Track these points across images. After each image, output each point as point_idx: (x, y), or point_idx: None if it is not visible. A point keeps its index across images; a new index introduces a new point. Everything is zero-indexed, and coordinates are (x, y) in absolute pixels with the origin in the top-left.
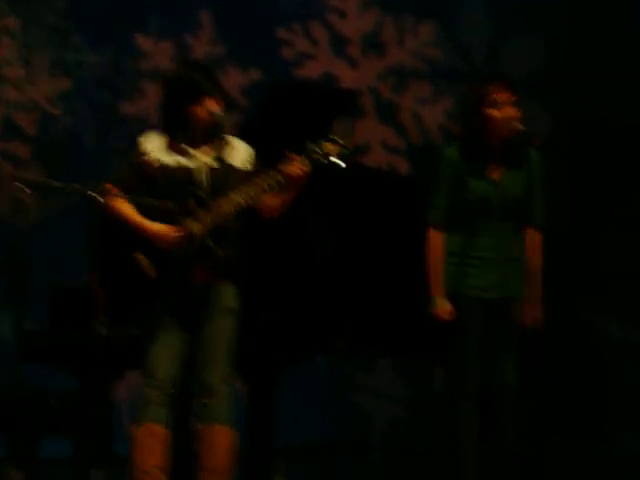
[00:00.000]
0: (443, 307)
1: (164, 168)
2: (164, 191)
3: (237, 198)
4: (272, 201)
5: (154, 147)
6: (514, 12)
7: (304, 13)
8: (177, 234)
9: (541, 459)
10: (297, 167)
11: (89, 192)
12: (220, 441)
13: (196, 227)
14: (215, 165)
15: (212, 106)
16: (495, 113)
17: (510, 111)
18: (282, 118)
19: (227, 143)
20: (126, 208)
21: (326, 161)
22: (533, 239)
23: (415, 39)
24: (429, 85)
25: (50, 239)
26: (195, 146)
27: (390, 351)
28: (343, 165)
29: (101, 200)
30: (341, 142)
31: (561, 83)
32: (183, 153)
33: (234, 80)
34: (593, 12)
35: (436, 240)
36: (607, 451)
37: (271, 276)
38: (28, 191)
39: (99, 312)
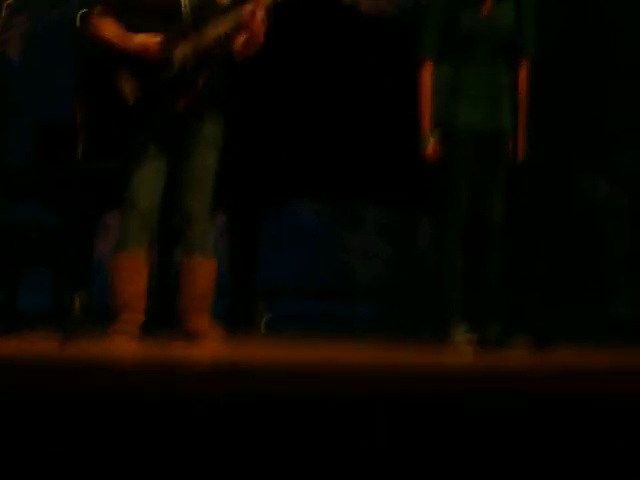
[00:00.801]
0: (431, 144)
1: None
2: (150, 13)
3: (221, 25)
4: (241, 42)
5: None
6: None
7: None
8: (160, 41)
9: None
10: (253, 6)
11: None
12: (201, 272)
13: (179, 51)
14: None
15: None
16: None
17: None
18: None
19: None
20: (113, 27)
21: None
22: (522, 70)
23: None
24: None
25: (40, 76)
26: None
27: (376, 199)
28: None
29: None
30: None
31: None
32: None
33: None
34: None
35: (427, 73)
36: (592, 316)
37: (254, 113)
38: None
39: (80, 139)
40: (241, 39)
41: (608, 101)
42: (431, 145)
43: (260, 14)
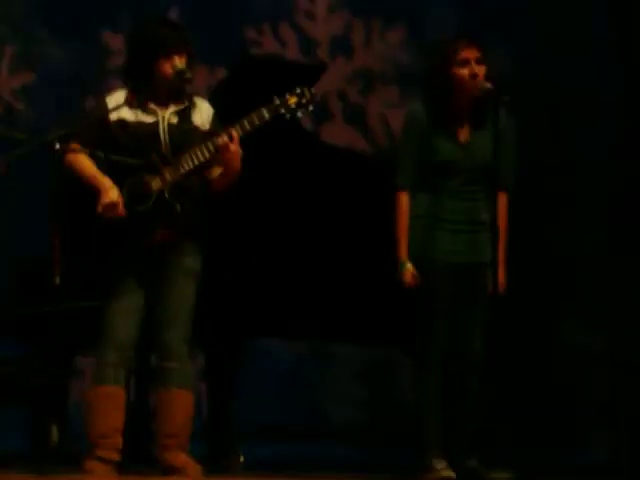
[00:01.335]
0: (409, 271)
1: (124, 123)
2: (124, 146)
3: (197, 155)
4: (217, 174)
5: (116, 103)
6: (484, 18)
7: (273, 14)
8: (119, 207)
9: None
10: (225, 138)
11: (50, 140)
12: (178, 406)
13: (156, 182)
14: (176, 122)
15: (178, 62)
16: (463, 71)
17: (477, 69)
18: (249, 85)
19: (190, 101)
20: (84, 162)
21: (288, 112)
22: (501, 202)
23: (383, 42)
24: (396, 89)
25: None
26: (158, 103)
27: (351, 336)
28: (303, 113)
29: (57, 147)
30: (304, 94)
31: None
32: (145, 109)
33: (201, 79)
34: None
35: (404, 202)
36: (571, 456)
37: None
38: None
39: (56, 264)
40: (217, 170)
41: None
42: (409, 271)
43: (233, 146)
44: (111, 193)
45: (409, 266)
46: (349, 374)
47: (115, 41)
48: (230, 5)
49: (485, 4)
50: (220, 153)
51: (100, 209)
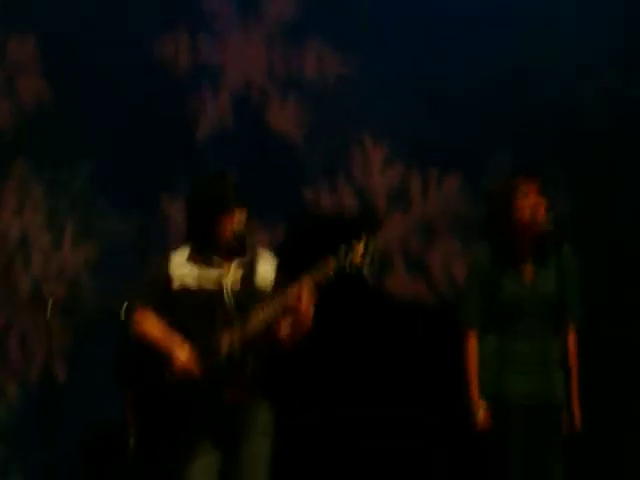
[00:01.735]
0: (483, 411)
1: (188, 290)
2: (192, 309)
3: (264, 314)
4: (287, 327)
5: (179, 263)
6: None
7: (329, 170)
8: (194, 368)
9: None
10: (300, 288)
11: (117, 305)
12: None
13: (224, 344)
14: (239, 284)
15: (239, 219)
16: (525, 203)
17: (538, 200)
18: (309, 245)
19: (254, 256)
20: (152, 323)
21: (352, 267)
22: (570, 338)
23: (440, 192)
24: (456, 238)
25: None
26: (222, 258)
27: None
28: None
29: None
30: (369, 251)
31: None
32: (209, 267)
33: (261, 239)
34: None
35: (471, 342)
36: None
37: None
38: None
39: (130, 427)
40: (285, 324)
41: None
42: (482, 414)
43: (306, 297)
44: (183, 352)
45: (481, 408)
46: None
47: (174, 206)
48: (285, 165)
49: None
50: (293, 304)
51: (175, 370)
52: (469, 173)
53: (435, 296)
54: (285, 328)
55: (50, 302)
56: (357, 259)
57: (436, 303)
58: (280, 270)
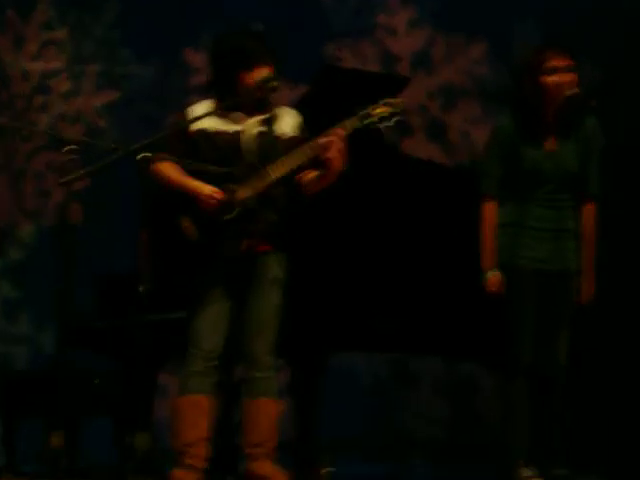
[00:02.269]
0: (494, 279)
1: (206, 133)
2: (210, 156)
3: (285, 164)
4: (312, 175)
5: (199, 113)
6: (567, 34)
7: (354, 30)
8: (218, 194)
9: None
10: (333, 137)
11: (135, 150)
12: (264, 415)
13: (244, 192)
14: (263, 131)
15: (263, 73)
16: (552, 80)
17: (567, 77)
18: (332, 98)
19: (277, 110)
20: (173, 170)
21: (377, 121)
22: (588, 210)
23: (465, 58)
24: (478, 104)
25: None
26: (245, 112)
27: (435, 350)
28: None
29: (140, 157)
30: (391, 103)
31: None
32: (231, 119)
33: (283, 95)
34: None
35: (490, 210)
36: None
37: (317, 251)
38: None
39: (142, 271)
40: (309, 174)
41: None
42: (494, 278)
43: (338, 145)
44: (206, 186)
45: (495, 273)
46: (429, 390)
47: (197, 59)
48: (311, 22)
49: (566, 18)
50: (326, 153)
51: (202, 203)
52: (494, 40)
53: (453, 160)
54: (311, 175)
55: (68, 146)
56: (376, 120)
57: (453, 167)
58: (303, 126)
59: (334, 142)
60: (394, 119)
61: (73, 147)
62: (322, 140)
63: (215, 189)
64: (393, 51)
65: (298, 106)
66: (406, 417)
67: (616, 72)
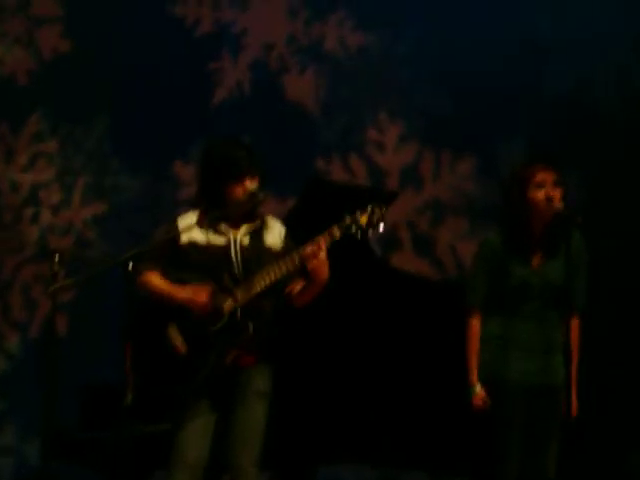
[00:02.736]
0: (479, 395)
1: (195, 245)
2: (196, 268)
3: (270, 275)
4: (300, 286)
5: (188, 224)
6: (552, 149)
7: (344, 145)
8: (208, 294)
9: None
10: (314, 247)
11: (123, 260)
12: None
13: (228, 303)
14: (248, 243)
15: (250, 185)
16: (540, 194)
17: (554, 191)
18: (320, 210)
19: (262, 222)
20: (161, 281)
21: (359, 230)
22: (574, 325)
23: (453, 174)
24: (466, 220)
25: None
26: (230, 224)
27: (421, 463)
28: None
29: (130, 268)
30: (375, 212)
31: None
32: (219, 229)
33: (271, 209)
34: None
35: (474, 324)
36: None
37: (306, 363)
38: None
39: (128, 383)
40: (297, 285)
41: None
42: (478, 395)
43: (322, 254)
44: (199, 294)
45: (479, 389)
46: None
47: (186, 172)
48: (301, 137)
49: (553, 131)
50: (308, 262)
51: (196, 310)
52: (482, 157)
53: (440, 275)
54: (298, 286)
55: (56, 256)
56: (362, 226)
57: (441, 282)
58: (289, 237)
59: (316, 251)
60: (380, 226)
61: (61, 257)
62: (305, 250)
63: (207, 295)
64: (382, 166)
65: (287, 219)
66: None
67: (600, 189)
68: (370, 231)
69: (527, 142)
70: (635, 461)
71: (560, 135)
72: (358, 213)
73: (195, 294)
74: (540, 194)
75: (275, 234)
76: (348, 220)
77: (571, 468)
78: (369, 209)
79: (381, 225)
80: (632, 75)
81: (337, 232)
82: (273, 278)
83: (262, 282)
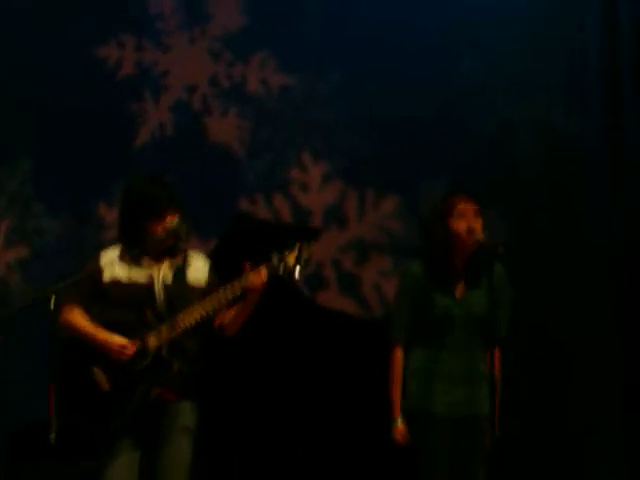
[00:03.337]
0: (399, 429)
1: (118, 283)
2: (123, 304)
3: (195, 312)
4: (230, 316)
5: (110, 260)
6: (475, 186)
7: (267, 185)
8: (130, 346)
9: None
10: (256, 275)
11: (45, 296)
12: None
13: (152, 340)
14: (171, 280)
15: (171, 222)
16: (461, 224)
17: (474, 222)
18: (246, 243)
19: (185, 256)
20: (83, 320)
21: (285, 271)
22: (496, 355)
23: (376, 212)
24: (390, 258)
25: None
26: (153, 259)
27: None
28: (297, 276)
29: (52, 307)
30: (304, 251)
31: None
32: (142, 265)
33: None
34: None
35: (397, 357)
36: None
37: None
38: None
39: (51, 422)
40: (227, 315)
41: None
42: (399, 429)
43: (259, 281)
44: (116, 338)
45: (399, 424)
46: None
47: (109, 214)
48: (224, 177)
49: (476, 171)
50: (249, 292)
51: (113, 354)
52: (406, 196)
53: (366, 313)
54: (228, 317)
55: None
56: (289, 266)
57: (366, 320)
58: (213, 271)
59: (257, 280)
60: (307, 263)
61: None
62: (251, 278)
63: (124, 341)
64: (306, 206)
65: (211, 255)
66: None
67: (522, 225)
68: (298, 269)
69: (450, 181)
70: None
71: (484, 173)
72: (286, 252)
73: (112, 337)
74: (462, 224)
75: (199, 268)
76: (275, 260)
77: None
78: (297, 246)
79: (307, 263)
80: (551, 114)
81: (265, 270)
82: (198, 316)
83: (188, 319)
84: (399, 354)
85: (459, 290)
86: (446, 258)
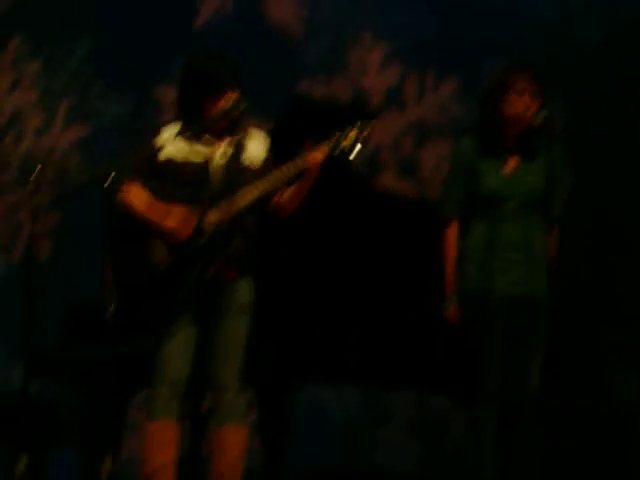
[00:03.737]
0: (452, 309)
1: (176, 163)
2: (179, 183)
3: (253, 191)
4: (287, 195)
5: (170, 136)
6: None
7: (327, 66)
8: (183, 229)
9: None
10: (317, 152)
11: (103, 175)
12: (231, 442)
13: (212, 216)
14: (231, 160)
15: (231, 98)
16: (517, 103)
17: (531, 101)
18: (304, 125)
19: (245, 134)
20: (139, 200)
21: (346, 148)
22: (552, 234)
23: (436, 95)
24: (450, 141)
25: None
26: (213, 134)
27: (405, 384)
28: (354, 155)
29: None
30: (363, 133)
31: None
32: (200, 142)
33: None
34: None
35: (451, 234)
36: None
37: (287, 279)
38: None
39: (108, 297)
40: (285, 194)
41: None
42: (451, 309)
43: (321, 157)
44: (171, 219)
45: (452, 303)
46: (401, 424)
47: (168, 94)
48: (284, 58)
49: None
50: (309, 168)
51: (166, 237)
52: (466, 78)
53: (425, 196)
54: (285, 196)
55: (39, 167)
56: (348, 144)
57: (425, 202)
58: (271, 150)
59: (317, 156)
60: (367, 142)
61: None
62: (310, 156)
63: (177, 225)
64: (365, 88)
65: (269, 136)
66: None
67: (583, 109)
68: (358, 147)
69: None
70: (618, 381)
71: (548, 54)
72: (348, 129)
73: (165, 224)
74: (519, 101)
75: (257, 147)
76: (337, 136)
77: (552, 382)
78: (358, 124)
79: (368, 141)
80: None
81: (328, 145)
82: (257, 194)
83: (245, 198)
84: (451, 231)
85: (511, 163)
86: (498, 132)
